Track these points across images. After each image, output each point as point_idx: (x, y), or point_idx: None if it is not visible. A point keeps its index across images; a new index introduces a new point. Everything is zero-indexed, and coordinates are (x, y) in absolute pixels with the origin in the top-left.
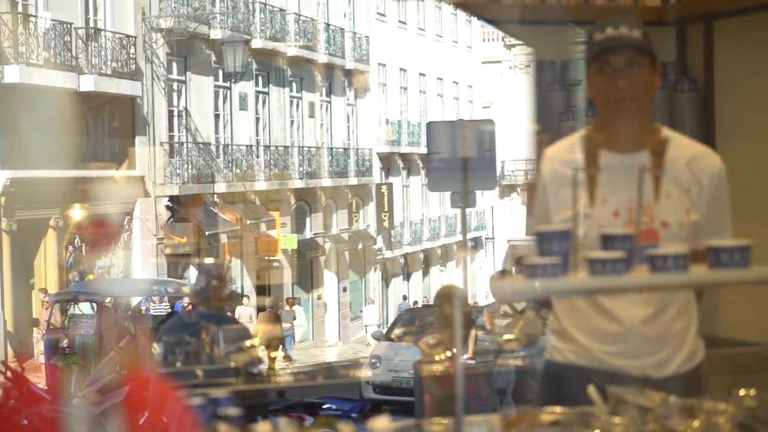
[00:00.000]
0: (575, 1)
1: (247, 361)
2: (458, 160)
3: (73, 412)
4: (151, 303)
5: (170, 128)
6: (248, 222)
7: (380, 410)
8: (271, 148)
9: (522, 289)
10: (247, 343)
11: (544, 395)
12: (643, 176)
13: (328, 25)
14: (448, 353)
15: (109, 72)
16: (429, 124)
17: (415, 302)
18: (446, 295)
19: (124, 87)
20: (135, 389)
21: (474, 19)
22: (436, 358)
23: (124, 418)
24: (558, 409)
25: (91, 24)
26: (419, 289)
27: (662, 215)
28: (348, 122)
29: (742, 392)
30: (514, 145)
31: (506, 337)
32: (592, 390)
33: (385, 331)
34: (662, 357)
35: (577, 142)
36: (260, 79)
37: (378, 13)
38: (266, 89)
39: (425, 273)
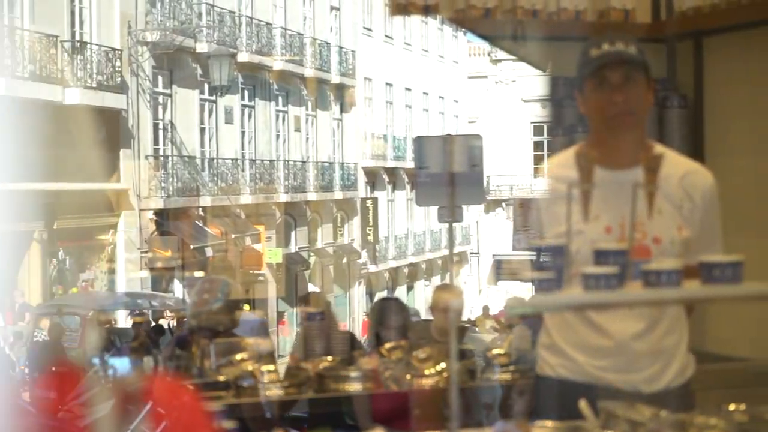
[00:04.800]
0: (566, 16)
1: (237, 374)
2: (446, 174)
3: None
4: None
5: (155, 141)
6: (233, 236)
7: None
8: (257, 161)
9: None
10: (237, 356)
11: (536, 410)
12: (637, 192)
13: (315, 39)
14: (438, 367)
15: (94, 85)
16: (416, 139)
17: None
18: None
19: (110, 100)
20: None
21: (460, 34)
22: (426, 372)
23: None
24: (549, 423)
25: (77, 37)
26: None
27: (654, 231)
28: (334, 136)
29: (732, 407)
30: (499, 160)
31: (495, 351)
32: (583, 404)
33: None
34: (653, 372)
35: (571, 158)
36: (246, 92)
37: (364, 28)
38: (252, 103)
39: (410, 288)
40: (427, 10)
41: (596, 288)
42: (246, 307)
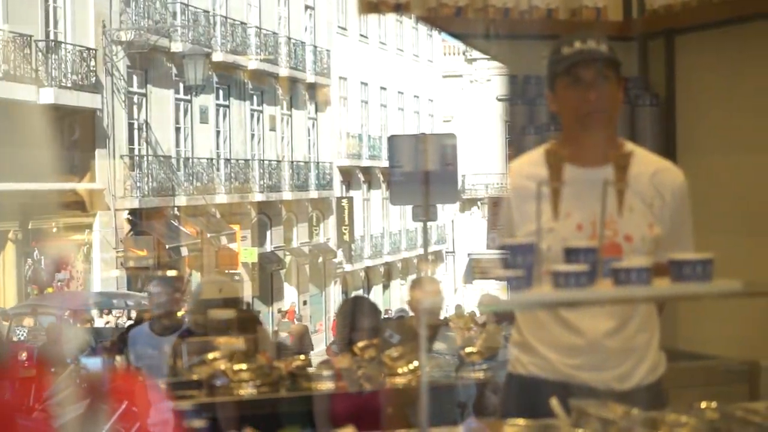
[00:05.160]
0: (538, 15)
1: (210, 373)
2: (420, 173)
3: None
4: (107, 316)
5: (131, 141)
6: (209, 235)
7: None
8: (232, 161)
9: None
10: (210, 355)
11: (507, 408)
12: (607, 190)
13: (290, 38)
14: (411, 366)
15: (69, 85)
16: (391, 138)
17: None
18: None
19: (85, 100)
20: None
21: (435, 33)
22: (399, 371)
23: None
24: (521, 421)
25: (51, 36)
26: (380, 303)
27: (625, 229)
28: (309, 136)
29: (703, 405)
30: (474, 159)
31: (469, 350)
32: (554, 403)
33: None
34: (625, 370)
35: (541, 156)
36: (221, 92)
37: (339, 27)
38: (227, 102)
39: (386, 287)
40: (398, 8)
41: (567, 286)
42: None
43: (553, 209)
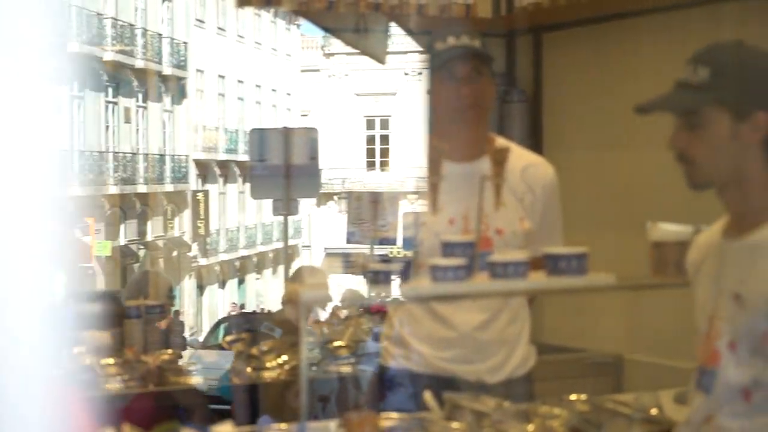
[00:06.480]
0: (408, 10)
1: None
2: (282, 167)
3: None
4: None
5: None
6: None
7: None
8: (86, 153)
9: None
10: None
11: (377, 401)
12: (483, 185)
13: (146, 30)
14: (280, 360)
15: None
16: (253, 131)
17: (242, 305)
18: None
19: None
20: None
21: (293, 27)
22: (268, 364)
23: None
24: (395, 415)
25: None
26: (235, 297)
27: (497, 223)
28: (165, 128)
29: (573, 397)
30: (332, 153)
31: (336, 343)
32: (428, 396)
33: (201, 338)
34: (496, 362)
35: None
36: (75, 83)
37: (197, 20)
38: (82, 94)
39: (241, 281)
40: (270, 2)
41: (444, 280)
42: None
43: (429, 204)
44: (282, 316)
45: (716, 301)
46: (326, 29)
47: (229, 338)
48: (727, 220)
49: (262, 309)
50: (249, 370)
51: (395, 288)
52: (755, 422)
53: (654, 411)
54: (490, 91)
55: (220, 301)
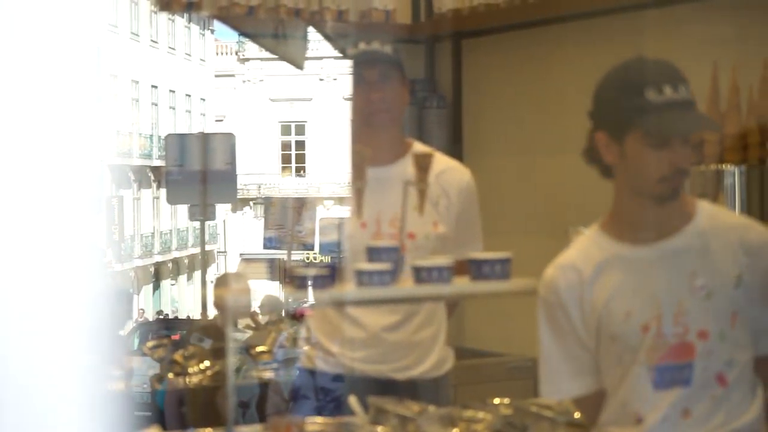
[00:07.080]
0: (329, 16)
1: None
2: (198, 172)
3: None
4: None
5: None
6: None
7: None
8: None
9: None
10: None
11: (297, 405)
12: (407, 190)
13: None
14: (202, 365)
15: None
16: (169, 137)
17: (159, 311)
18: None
19: None
20: None
21: (208, 33)
22: (190, 370)
23: None
24: (320, 419)
25: None
26: (150, 303)
27: (409, 227)
28: None
29: (496, 401)
30: (247, 159)
31: (259, 349)
32: (353, 400)
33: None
34: (407, 363)
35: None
36: None
37: (109, 24)
38: None
39: (156, 286)
40: (190, 7)
41: (370, 284)
42: None
43: (354, 209)
44: (206, 321)
45: (671, 300)
46: (245, 34)
47: (150, 344)
48: (597, 238)
49: (176, 315)
50: (171, 375)
51: (316, 293)
52: (733, 401)
53: (577, 414)
54: (401, 95)
55: (135, 307)
